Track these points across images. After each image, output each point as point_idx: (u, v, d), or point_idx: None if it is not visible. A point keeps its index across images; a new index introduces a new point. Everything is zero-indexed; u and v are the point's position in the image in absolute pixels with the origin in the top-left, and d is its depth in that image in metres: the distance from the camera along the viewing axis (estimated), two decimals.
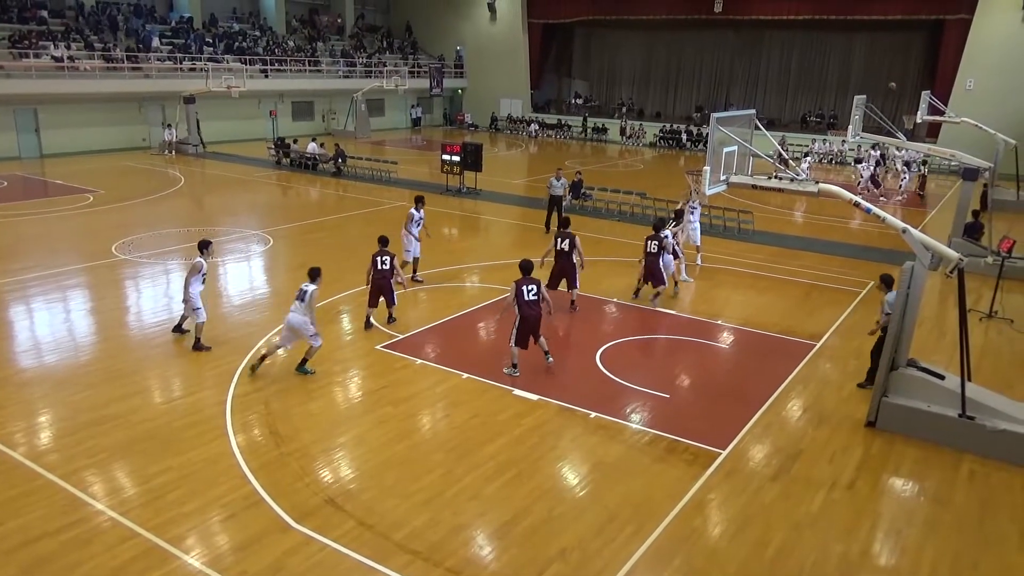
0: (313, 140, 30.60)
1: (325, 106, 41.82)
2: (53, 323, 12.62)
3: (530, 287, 10.52)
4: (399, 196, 24.14)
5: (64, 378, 10.37)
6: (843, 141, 34.58)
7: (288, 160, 30.28)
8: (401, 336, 12.06)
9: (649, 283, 13.87)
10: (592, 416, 9.59)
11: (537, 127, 43.93)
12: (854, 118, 18.25)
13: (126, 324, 12.61)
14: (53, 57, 30.28)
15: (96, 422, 9.06)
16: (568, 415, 9.61)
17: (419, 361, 11.14)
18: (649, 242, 13.75)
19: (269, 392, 10.03)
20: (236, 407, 9.55)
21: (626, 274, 15.68)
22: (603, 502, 7.75)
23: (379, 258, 12.27)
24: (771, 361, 11.63)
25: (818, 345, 12.28)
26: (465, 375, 10.66)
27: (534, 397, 10.03)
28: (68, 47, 31.32)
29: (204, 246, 11.69)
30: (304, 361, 10.67)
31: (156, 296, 14.10)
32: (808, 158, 30.95)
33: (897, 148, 30.71)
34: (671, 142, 40.62)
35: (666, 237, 13.93)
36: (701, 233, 16.98)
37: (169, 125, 32.83)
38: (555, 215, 19.40)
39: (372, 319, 12.50)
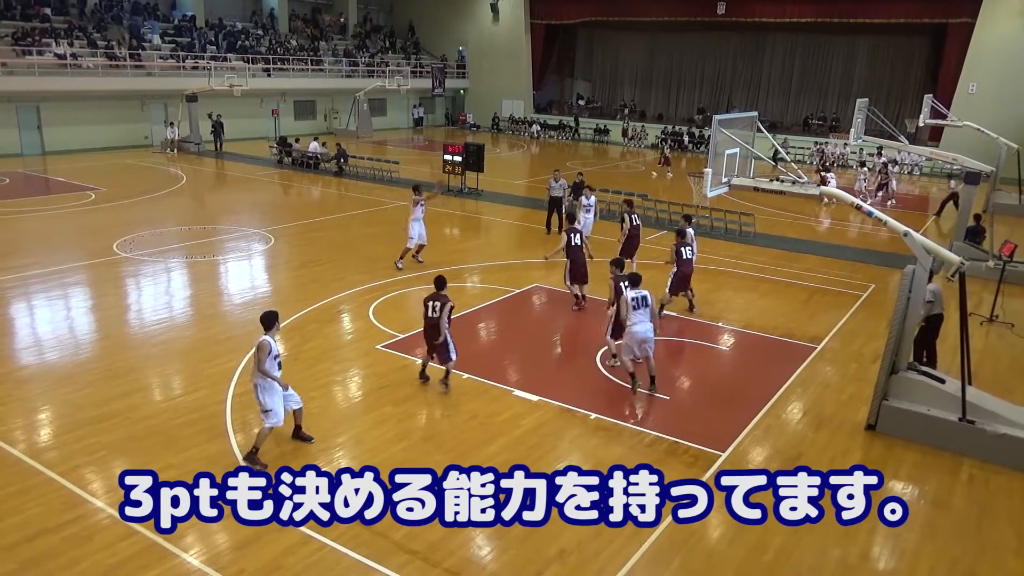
0: (315, 139, 30.62)
1: (327, 105, 41.85)
2: (54, 320, 12.64)
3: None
4: (401, 196, 24.14)
5: (64, 375, 10.38)
6: (845, 144, 34.62)
7: (290, 159, 30.31)
8: (401, 335, 12.06)
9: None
10: (592, 417, 9.59)
11: (539, 128, 43.95)
12: (856, 121, 18.26)
13: (127, 322, 12.62)
14: (56, 54, 30.33)
15: (96, 419, 9.07)
16: (568, 416, 9.61)
17: (419, 361, 11.14)
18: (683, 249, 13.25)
19: None
20: (236, 406, 9.56)
21: None
22: None
23: (430, 303, 10.08)
24: (772, 364, 11.63)
25: (819, 348, 12.28)
26: (465, 375, 10.66)
27: (534, 398, 10.03)
28: (71, 44, 31.35)
29: (269, 321, 8.34)
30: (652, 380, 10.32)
31: (157, 294, 14.11)
32: (865, 168, 29.13)
33: (877, 153, 30.75)
34: (673, 144, 40.63)
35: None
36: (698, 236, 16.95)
37: (171, 123, 32.86)
38: (555, 216, 19.41)
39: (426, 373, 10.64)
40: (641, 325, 10.02)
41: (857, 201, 10.05)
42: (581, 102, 47.75)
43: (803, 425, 9.69)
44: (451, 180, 24.68)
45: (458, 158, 24.36)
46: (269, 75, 38.00)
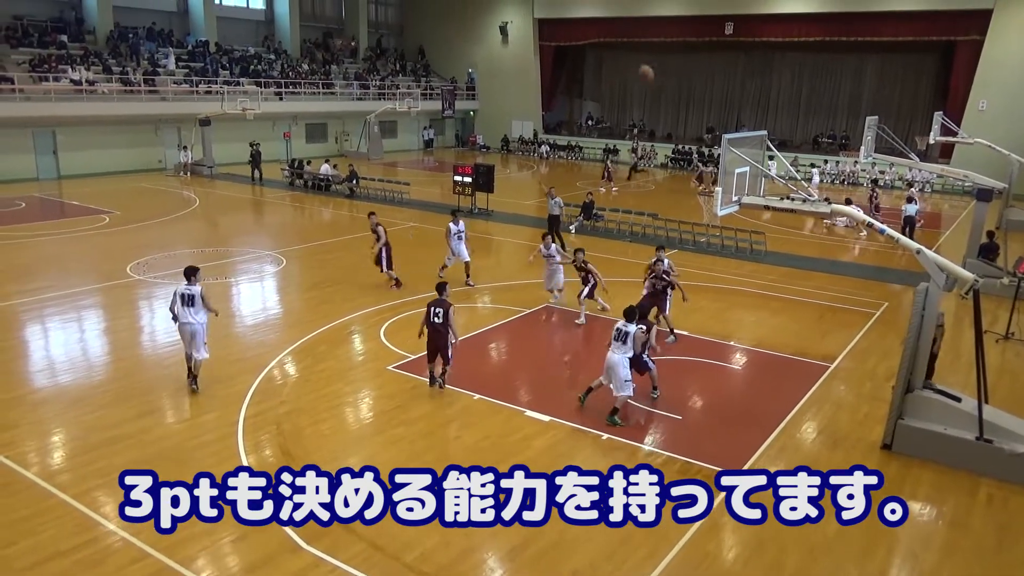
0: (327, 161, 30.85)
1: (338, 128, 42.21)
2: (68, 343, 12.73)
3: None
4: (411, 216, 24.27)
5: (77, 397, 10.43)
6: (855, 162, 34.58)
7: (302, 181, 30.54)
8: (412, 356, 12.06)
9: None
10: (604, 438, 9.53)
11: (548, 148, 44.16)
12: (866, 139, 18.25)
13: (140, 344, 12.69)
14: (72, 80, 30.79)
15: (108, 442, 9.10)
16: (580, 436, 9.57)
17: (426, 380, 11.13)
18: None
19: (280, 413, 10.04)
20: (248, 427, 9.57)
21: (638, 295, 15.64)
22: None
23: (432, 308, 10.53)
24: (784, 382, 11.55)
25: (832, 367, 12.18)
26: (476, 396, 10.64)
27: (545, 418, 9.99)
28: (87, 70, 31.82)
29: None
30: (614, 411, 9.98)
31: (169, 316, 14.14)
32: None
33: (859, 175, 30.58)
34: (682, 163, 40.71)
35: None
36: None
37: (185, 147, 33.21)
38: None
39: (436, 375, 10.99)
40: (612, 354, 9.93)
41: (869, 219, 10.02)
42: (590, 122, 47.97)
43: (818, 445, 9.60)
44: (461, 201, 24.80)
45: (468, 179, 24.48)
46: (281, 99, 38.42)
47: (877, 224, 9.82)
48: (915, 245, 9.22)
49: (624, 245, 20.72)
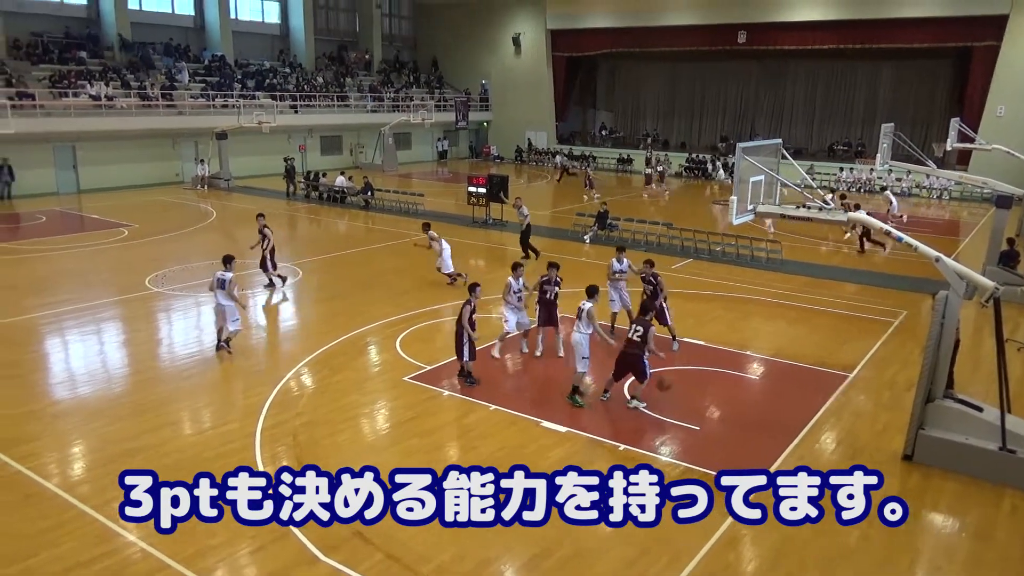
0: (342, 174, 31.04)
1: (353, 140, 42.50)
2: (87, 355, 12.86)
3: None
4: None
5: (97, 409, 10.52)
6: (871, 169, 34.36)
7: (317, 193, 30.74)
8: (428, 367, 12.08)
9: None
10: (621, 448, 9.49)
11: (563, 158, 44.18)
12: (882, 146, 18.15)
13: (158, 356, 12.79)
14: (91, 96, 31.22)
15: (127, 453, 9.16)
16: (597, 447, 9.53)
17: (446, 393, 11.15)
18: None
19: (297, 424, 10.08)
20: (265, 439, 9.61)
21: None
22: (634, 536, 7.62)
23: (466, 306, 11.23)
24: (803, 392, 11.46)
25: (851, 376, 12.07)
26: (492, 407, 10.63)
27: (562, 429, 9.96)
28: (106, 85, 32.26)
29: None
30: (575, 390, 10.70)
31: (187, 328, 14.31)
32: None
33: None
34: (696, 172, 40.63)
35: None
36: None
37: (202, 160, 33.55)
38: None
39: (467, 369, 11.41)
40: (573, 333, 10.81)
41: (886, 227, 9.95)
42: (604, 132, 48.00)
43: (837, 455, 9.50)
44: (475, 212, 24.86)
45: (482, 189, 24.53)
46: (296, 112, 38.75)
47: (895, 232, 9.74)
48: (934, 252, 9.14)
49: (641, 255, 20.61)
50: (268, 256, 16.70)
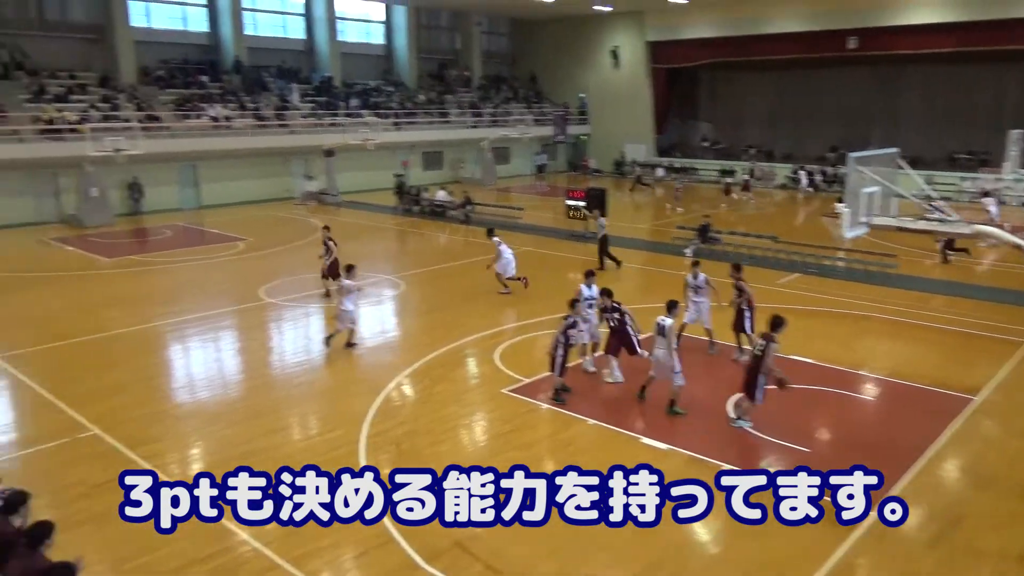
0: (442, 188, 31.68)
1: (454, 155, 43.34)
2: (206, 362, 13.62)
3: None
4: (524, 241, 24.47)
5: (215, 413, 11.10)
6: (997, 179, 32.16)
7: (419, 208, 31.48)
8: (527, 380, 12.10)
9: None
10: (724, 468, 9.19)
11: (663, 171, 43.58)
12: (1011, 154, 16.99)
13: (270, 363, 13.40)
14: (211, 117, 33.22)
15: (242, 456, 9.59)
16: (699, 466, 9.27)
17: (544, 406, 11.14)
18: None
19: (399, 433, 10.30)
20: (369, 446, 9.86)
21: (759, 320, 15.08)
22: (739, 561, 7.37)
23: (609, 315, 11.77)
24: (922, 415, 10.79)
25: (977, 400, 11.28)
26: (591, 421, 10.54)
27: (663, 447, 9.76)
28: (224, 107, 34.26)
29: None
30: (672, 403, 10.77)
31: (297, 338, 14.92)
32: None
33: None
34: (799, 183, 39.19)
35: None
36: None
37: (311, 177, 35.01)
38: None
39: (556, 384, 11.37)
40: (656, 350, 10.81)
41: (1017, 240, 9.28)
42: (705, 144, 47.06)
43: (963, 485, 8.89)
44: (573, 225, 24.81)
45: (581, 203, 24.49)
46: (399, 128, 39.90)
47: None
48: None
49: (745, 269, 20.02)
50: (330, 267, 17.11)
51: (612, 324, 11.83)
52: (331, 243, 17.42)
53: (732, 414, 10.50)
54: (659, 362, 10.85)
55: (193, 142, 31.73)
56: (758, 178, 40.30)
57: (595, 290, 12.43)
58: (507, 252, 17.72)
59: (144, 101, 32.57)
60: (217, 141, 32.50)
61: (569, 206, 24.80)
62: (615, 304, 11.85)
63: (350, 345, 13.80)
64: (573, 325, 11.12)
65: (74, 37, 33.57)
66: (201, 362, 13.65)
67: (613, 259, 20.29)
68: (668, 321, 10.71)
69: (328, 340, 13.70)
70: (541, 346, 13.64)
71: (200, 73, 36.76)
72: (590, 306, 12.29)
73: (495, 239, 17.91)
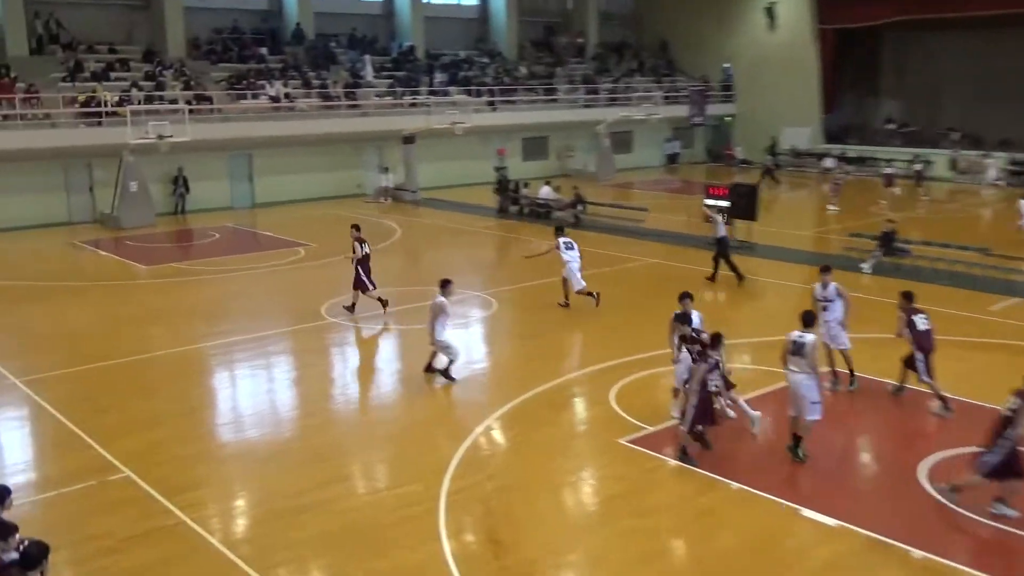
0: (547, 183, 31.80)
1: (561, 142, 43.53)
2: (255, 393, 14.11)
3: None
4: (651, 251, 24.28)
5: (265, 456, 11.45)
6: None
7: (518, 207, 31.69)
8: (650, 428, 11.90)
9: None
10: (917, 555, 8.73)
11: (832, 162, 42.24)
12: None
13: (332, 397, 13.74)
14: (270, 97, 34.66)
15: (295, 511, 9.83)
16: (880, 550, 8.84)
17: (673, 462, 10.91)
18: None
19: (489, 489, 10.32)
20: (451, 504, 9.91)
21: (964, 358, 14.36)
22: None
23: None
24: None
25: None
26: (735, 485, 10.25)
27: (831, 522, 9.37)
28: (285, 85, 35.65)
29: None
30: (797, 441, 10.81)
31: (365, 367, 15.27)
32: None
33: None
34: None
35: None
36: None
37: (386, 169, 35.92)
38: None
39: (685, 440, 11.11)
40: (792, 374, 10.66)
41: None
42: (890, 126, 45.44)
43: None
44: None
45: (724, 203, 24.04)
46: (494, 109, 40.42)
47: None
48: None
49: (944, 291, 19.13)
50: (357, 275, 17.63)
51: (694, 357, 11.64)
52: (359, 245, 17.80)
53: (933, 484, 9.97)
54: (794, 390, 10.67)
55: (248, 126, 33.18)
56: (962, 171, 38.60)
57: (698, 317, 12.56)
58: (572, 258, 18.09)
59: (193, 78, 34.34)
60: (276, 126, 33.91)
61: (708, 207, 24.37)
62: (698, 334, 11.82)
63: (431, 371, 13.94)
64: (715, 367, 10.80)
65: (116, 4, 35.90)
66: (251, 393, 14.14)
67: (735, 270, 20.26)
68: (808, 337, 10.64)
69: (446, 373, 13.85)
70: (670, 386, 13.42)
71: (258, 45, 38.47)
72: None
73: (563, 239, 18.32)
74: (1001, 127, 42.25)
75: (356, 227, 18.63)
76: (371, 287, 17.75)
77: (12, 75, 30.00)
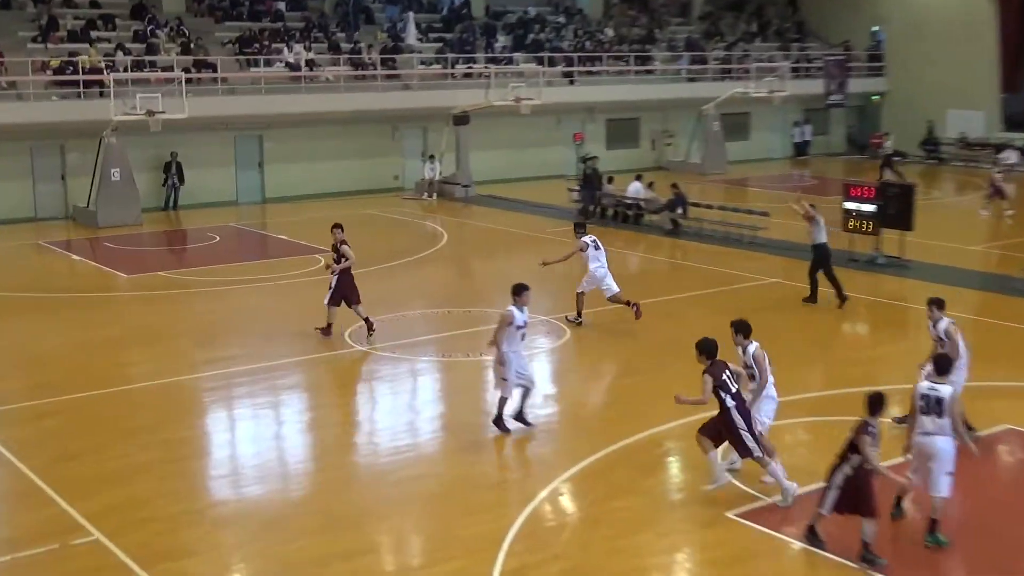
0: (638, 178, 31.58)
1: (656, 126, 43.33)
2: (260, 438, 14.21)
3: None
4: (770, 268, 24.00)
5: (270, 519, 11.47)
6: None
7: (598, 208, 31.53)
8: (767, 500, 11.71)
9: None
10: None
11: (1016, 155, 41.32)
12: None
13: (355, 446, 13.81)
14: (288, 64, 34.88)
15: None
16: None
17: (797, 545, 10.71)
18: None
19: (552, 571, 10.22)
20: None
21: None
22: None
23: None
24: None
25: None
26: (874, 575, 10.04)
27: None
28: (307, 49, 35.90)
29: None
30: (933, 525, 10.53)
31: (398, 408, 15.27)
32: None
33: None
34: None
35: None
36: None
37: (431, 157, 36.00)
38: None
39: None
40: (926, 437, 10.28)
41: None
42: None
43: None
44: (855, 244, 24.12)
45: (868, 207, 23.70)
46: (572, 82, 40.39)
47: None
48: None
49: None
50: (335, 287, 17.91)
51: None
52: (345, 248, 17.96)
53: None
54: (926, 456, 10.31)
55: (260, 101, 33.61)
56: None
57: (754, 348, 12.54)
58: (597, 263, 18.44)
59: (193, 40, 34.87)
60: (294, 100, 34.26)
61: (848, 211, 24.03)
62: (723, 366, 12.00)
63: (500, 425, 13.70)
64: (868, 432, 10.33)
65: None
66: (252, 438, 14.23)
67: (836, 285, 20.18)
68: (945, 389, 10.24)
69: (524, 417, 13.87)
70: (792, 444, 13.22)
71: None
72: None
73: (586, 239, 18.58)
74: None
75: (339, 227, 18.90)
76: (351, 304, 17.98)
77: None
